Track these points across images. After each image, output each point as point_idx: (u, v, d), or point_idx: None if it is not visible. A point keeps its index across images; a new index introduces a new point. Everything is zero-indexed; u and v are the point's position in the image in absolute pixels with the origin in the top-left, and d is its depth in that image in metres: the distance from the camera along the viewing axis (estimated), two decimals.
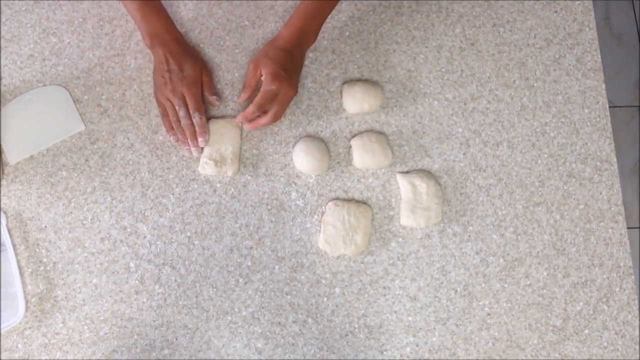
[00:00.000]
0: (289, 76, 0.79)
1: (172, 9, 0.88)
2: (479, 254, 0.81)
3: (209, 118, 0.83)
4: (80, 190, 0.81)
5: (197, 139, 0.80)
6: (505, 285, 0.81)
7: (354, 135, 0.84)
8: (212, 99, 0.83)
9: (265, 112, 0.80)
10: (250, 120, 0.81)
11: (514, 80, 0.88)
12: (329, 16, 0.88)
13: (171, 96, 0.80)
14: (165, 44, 0.81)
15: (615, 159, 0.86)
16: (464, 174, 0.84)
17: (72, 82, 0.85)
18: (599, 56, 0.90)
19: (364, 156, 0.81)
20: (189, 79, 0.80)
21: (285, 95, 0.79)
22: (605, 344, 0.80)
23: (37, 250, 0.79)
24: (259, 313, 0.78)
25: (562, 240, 0.83)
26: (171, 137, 0.82)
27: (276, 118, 0.81)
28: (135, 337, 0.77)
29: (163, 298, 0.78)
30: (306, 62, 0.87)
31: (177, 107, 0.80)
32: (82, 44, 0.86)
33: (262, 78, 0.79)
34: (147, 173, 0.82)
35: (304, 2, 0.80)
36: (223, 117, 0.84)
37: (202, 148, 0.81)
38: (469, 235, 0.82)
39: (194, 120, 0.80)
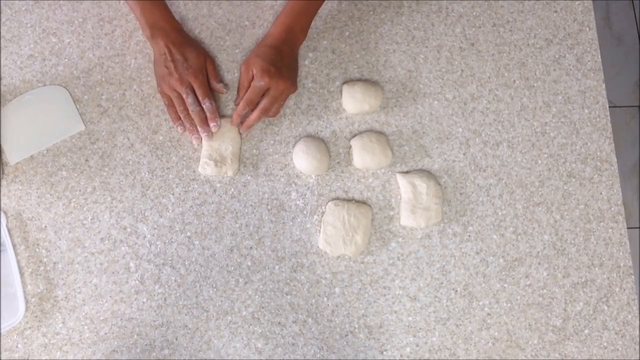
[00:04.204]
0: (279, 71, 0.79)
1: (171, 9, 0.88)
2: (479, 254, 0.81)
3: None
4: (80, 190, 0.81)
5: (207, 125, 0.81)
6: (505, 285, 0.81)
7: (354, 135, 0.84)
8: (219, 86, 0.83)
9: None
10: (243, 121, 0.82)
11: (514, 80, 0.88)
12: (330, 16, 0.89)
13: (178, 85, 0.80)
14: (166, 34, 0.81)
15: (615, 159, 0.86)
16: (464, 174, 0.84)
17: (72, 82, 0.85)
18: (599, 56, 0.90)
19: (364, 156, 0.81)
20: (194, 68, 0.80)
21: (277, 90, 0.79)
22: (605, 344, 0.80)
23: (37, 250, 0.79)
24: (259, 313, 0.78)
25: (562, 240, 0.83)
26: (178, 128, 0.82)
27: (266, 113, 0.81)
28: (135, 337, 0.77)
29: (163, 298, 0.78)
30: (306, 62, 0.87)
31: (185, 95, 0.80)
32: (82, 44, 0.86)
33: (254, 76, 0.80)
34: (147, 173, 0.82)
35: (290, 0, 0.82)
36: (223, 117, 0.84)
37: (212, 133, 0.81)
38: (469, 235, 0.82)
39: (204, 106, 0.80)
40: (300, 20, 0.82)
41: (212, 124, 0.81)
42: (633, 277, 0.82)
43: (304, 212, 0.81)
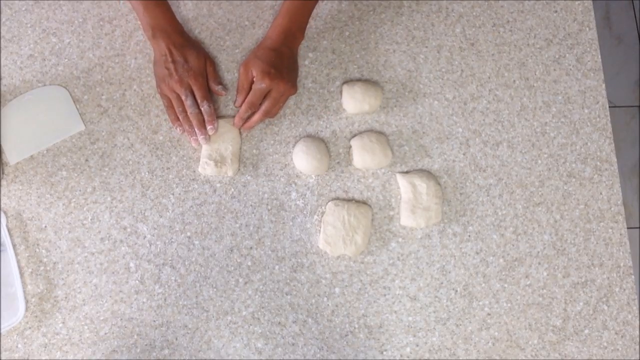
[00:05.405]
0: (279, 73, 0.79)
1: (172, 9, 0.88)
2: (479, 254, 0.81)
3: None
4: (80, 190, 0.81)
5: (205, 128, 0.81)
6: (505, 285, 0.81)
7: (354, 135, 0.84)
8: (218, 88, 0.83)
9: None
10: (245, 122, 0.82)
11: (514, 80, 0.88)
12: (330, 16, 0.89)
13: (177, 87, 0.80)
14: (167, 36, 0.81)
15: (615, 159, 0.86)
16: (464, 174, 0.84)
17: (72, 82, 0.85)
18: (599, 56, 0.90)
19: (364, 156, 0.81)
20: (195, 70, 0.81)
21: (278, 91, 0.80)
22: (605, 344, 0.80)
23: (37, 250, 0.79)
24: (259, 313, 0.78)
25: (562, 240, 0.83)
26: (177, 129, 0.82)
27: (268, 114, 0.81)
28: (135, 337, 0.77)
29: (163, 298, 0.78)
30: (306, 62, 0.87)
31: (184, 97, 0.80)
32: (82, 44, 0.86)
33: (254, 78, 0.80)
34: (147, 173, 0.82)
35: (286, 2, 0.81)
36: (223, 117, 0.84)
37: (209, 136, 0.81)
38: (469, 235, 0.82)
39: (202, 108, 0.80)
40: (297, 20, 0.82)
41: (209, 127, 0.80)
42: (633, 277, 0.82)
43: (304, 212, 0.81)
